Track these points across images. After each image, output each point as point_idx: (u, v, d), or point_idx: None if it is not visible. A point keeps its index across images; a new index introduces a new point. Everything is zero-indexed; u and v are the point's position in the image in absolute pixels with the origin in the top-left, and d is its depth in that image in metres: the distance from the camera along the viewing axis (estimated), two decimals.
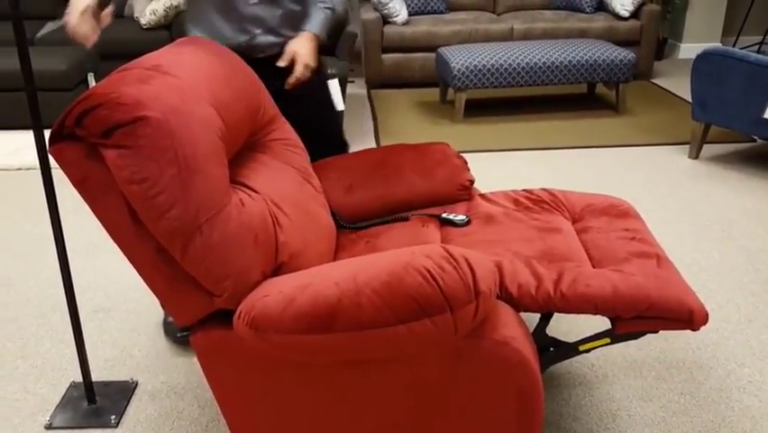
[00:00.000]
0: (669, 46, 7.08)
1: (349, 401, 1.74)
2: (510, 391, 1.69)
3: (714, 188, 3.92)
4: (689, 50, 6.95)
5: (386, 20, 5.92)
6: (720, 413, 2.22)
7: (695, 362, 2.46)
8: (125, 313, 2.80)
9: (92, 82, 5.20)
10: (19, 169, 4.33)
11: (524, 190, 2.41)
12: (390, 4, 5.85)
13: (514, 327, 1.70)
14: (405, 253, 1.61)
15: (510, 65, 4.96)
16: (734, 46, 6.84)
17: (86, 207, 3.68)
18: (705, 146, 4.45)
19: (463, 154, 4.35)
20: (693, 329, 1.82)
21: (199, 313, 1.71)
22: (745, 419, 2.19)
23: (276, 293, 1.61)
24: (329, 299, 1.54)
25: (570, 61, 4.99)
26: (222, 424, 2.21)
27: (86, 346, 2.61)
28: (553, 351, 1.97)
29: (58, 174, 4.16)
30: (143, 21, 5.69)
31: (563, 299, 1.81)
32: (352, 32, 4.26)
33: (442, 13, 6.28)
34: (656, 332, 1.86)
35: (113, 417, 2.22)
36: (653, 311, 1.79)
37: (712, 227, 3.46)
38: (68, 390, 2.36)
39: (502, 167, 4.28)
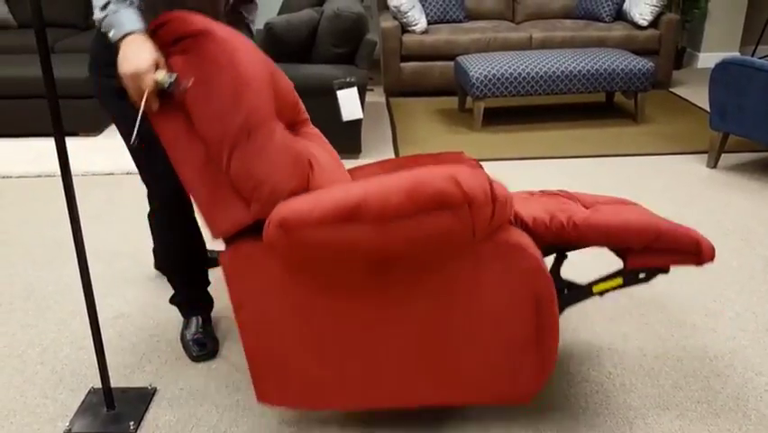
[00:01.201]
0: (687, 55, 7.05)
1: (372, 312, 1.82)
2: (528, 296, 1.81)
3: (733, 197, 3.91)
4: (707, 59, 6.92)
5: (405, 28, 5.94)
6: (737, 422, 2.21)
7: (712, 370, 2.45)
8: (145, 319, 2.82)
9: None
10: (39, 176, 4.37)
11: (540, 190, 2.47)
12: (410, 13, 5.86)
13: (528, 241, 1.83)
14: (429, 166, 1.76)
15: (529, 74, 4.95)
16: (752, 55, 6.81)
17: (107, 213, 3.71)
18: (723, 155, 4.44)
19: (482, 162, 4.36)
20: (701, 262, 1.91)
21: (235, 222, 1.83)
22: (762, 428, 2.18)
23: (305, 197, 1.74)
24: (356, 195, 1.68)
25: (588, 70, 4.98)
26: (240, 429, 2.22)
27: (106, 352, 2.63)
28: (568, 293, 2.05)
29: (78, 181, 4.23)
30: None
31: (576, 228, 1.92)
32: (371, 40, 4.28)
33: (461, 21, 6.28)
34: (667, 271, 1.94)
35: (131, 423, 2.23)
36: (662, 242, 1.89)
37: (731, 236, 3.44)
38: (87, 396, 2.38)
39: (521, 175, 4.28)
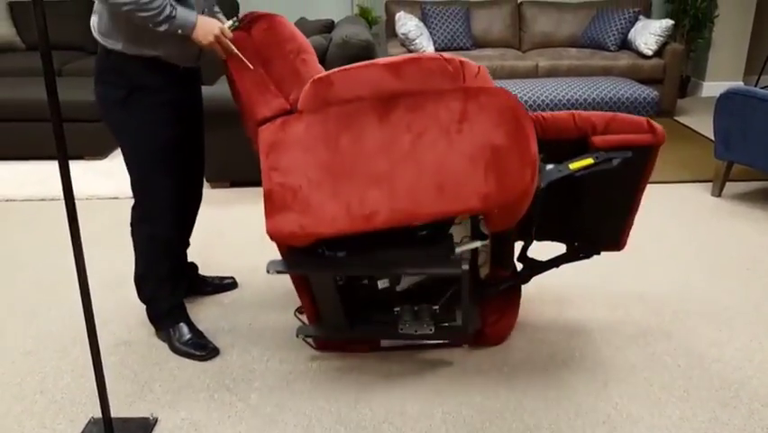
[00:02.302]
0: (692, 84, 7.07)
1: (379, 145, 2.23)
2: (508, 119, 2.19)
3: (738, 225, 3.89)
4: (711, 88, 6.93)
5: None
6: None
7: (719, 401, 2.42)
8: (147, 347, 2.79)
9: None
10: (43, 199, 4.37)
11: None
12: (417, 40, 5.90)
13: (510, 94, 2.26)
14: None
15: (535, 101, 4.96)
16: (756, 85, 6.82)
17: (111, 238, 3.70)
18: (728, 184, 4.43)
19: None
20: (657, 142, 2.31)
21: (275, 107, 2.37)
22: None
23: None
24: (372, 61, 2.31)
25: (594, 98, 5.00)
26: None
27: (107, 381, 2.60)
28: (551, 167, 2.34)
29: (82, 204, 4.22)
30: None
31: (546, 120, 2.38)
32: None
33: (468, 49, 6.33)
34: (629, 153, 2.31)
35: None
36: (617, 123, 2.34)
37: (736, 265, 3.42)
38: (86, 426, 2.35)
39: None
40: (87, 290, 2.07)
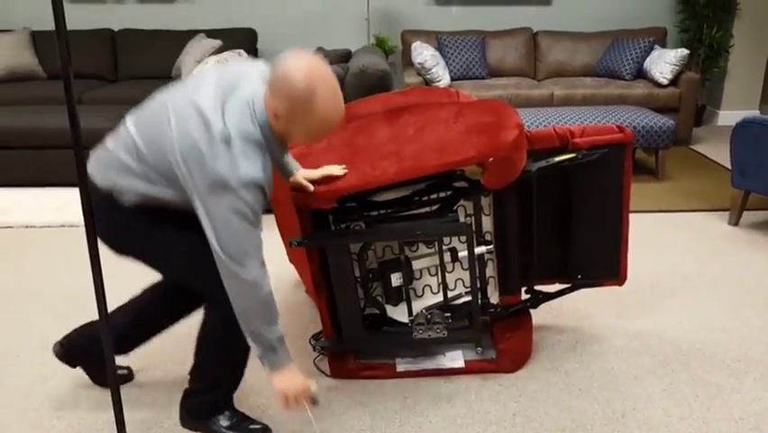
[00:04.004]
0: (707, 113, 7.05)
1: (388, 136, 2.63)
2: (495, 108, 2.64)
3: (755, 255, 3.87)
4: (727, 117, 6.92)
5: (429, 84, 5.98)
6: None
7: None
8: (164, 372, 2.80)
9: None
10: (63, 225, 4.41)
11: None
12: (433, 69, 5.91)
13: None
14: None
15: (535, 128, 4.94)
16: None
17: (129, 264, 3.71)
18: (745, 213, 4.41)
19: None
20: (627, 140, 2.66)
21: None
22: None
23: None
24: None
25: None
26: None
27: (123, 406, 2.59)
28: (544, 164, 2.65)
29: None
30: None
31: (531, 134, 2.73)
32: None
33: (483, 78, 6.34)
34: (605, 150, 2.67)
35: None
36: (591, 129, 2.73)
37: (753, 295, 3.40)
38: None
39: None
40: (106, 313, 2.08)
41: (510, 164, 2.46)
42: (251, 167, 1.91)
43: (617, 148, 2.69)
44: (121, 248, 2.24)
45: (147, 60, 6.45)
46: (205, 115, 1.92)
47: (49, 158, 5.05)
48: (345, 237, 2.54)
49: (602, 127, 2.75)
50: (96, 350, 2.50)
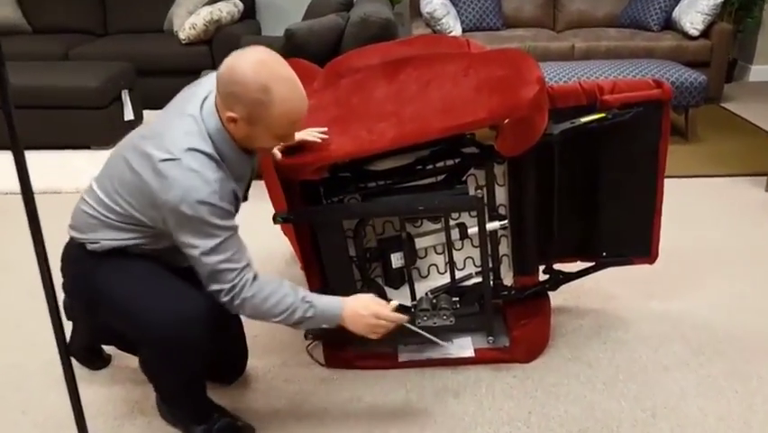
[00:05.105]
0: (738, 68, 6.68)
1: (387, 94, 2.33)
2: (511, 58, 2.30)
3: None
4: (760, 72, 6.58)
5: None
6: None
7: None
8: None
9: (127, 100, 5.01)
10: (44, 192, 4.16)
11: None
12: (444, 20, 5.69)
13: None
14: None
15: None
16: None
17: None
18: None
19: None
20: (665, 96, 2.34)
21: None
22: None
23: None
24: None
25: None
26: None
27: (97, 398, 2.39)
28: (568, 126, 2.32)
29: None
30: (182, 35, 5.54)
31: (553, 91, 2.40)
32: None
33: (498, 29, 6.07)
34: (641, 109, 2.34)
35: None
36: (623, 83, 2.40)
37: None
38: None
39: None
40: (53, 286, 1.83)
41: (529, 127, 2.16)
42: (204, 186, 1.79)
43: (654, 106, 2.36)
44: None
45: (137, 13, 6.18)
46: (145, 150, 1.83)
47: (32, 119, 4.80)
48: (336, 213, 2.26)
49: (636, 82, 2.42)
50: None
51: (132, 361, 2.50)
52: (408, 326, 2.10)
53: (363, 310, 2.01)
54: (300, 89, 1.82)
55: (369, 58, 2.56)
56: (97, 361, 2.56)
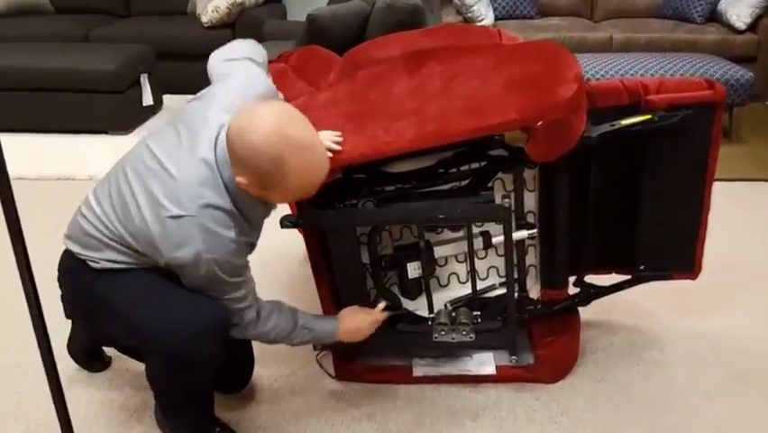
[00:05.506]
0: None
1: (408, 90, 2.15)
2: (547, 51, 2.13)
3: None
4: None
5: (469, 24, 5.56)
6: None
7: None
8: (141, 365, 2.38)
9: (146, 85, 4.88)
10: (59, 178, 4.08)
11: None
12: (475, 7, 5.54)
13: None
14: None
15: (599, 80, 4.45)
16: None
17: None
18: None
19: None
20: (719, 99, 2.15)
21: None
22: None
23: None
24: None
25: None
26: None
27: (94, 405, 2.29)
28: (608, 129, 2.13)
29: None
30: (204, 18, 5.44)
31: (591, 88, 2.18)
32: None
33: (532, 18, 5.91)
34: (689, 111, 2.14)
35: None
36: (671, 83, 2.19)
37: None
38: None
39: None
40: (34, 283, 1.71)
41: (565, 130, 1.99)
42: (221, 246, 1.71)
43: (705, 109, 2.18)
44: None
45: None
46: (152, 192, 1.72)
47: (49, 101, 4.72)
48: (349, 219, 2.10)
49: (685, 81, 2.22)
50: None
51: (133, 364, 2.41)
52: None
53: (359, 318, 2.13)
54: (319, 153, 1.70)
55: (390, 48, 2.38)
56: (96, 363, 2.45)
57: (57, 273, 1.96)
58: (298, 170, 1.64)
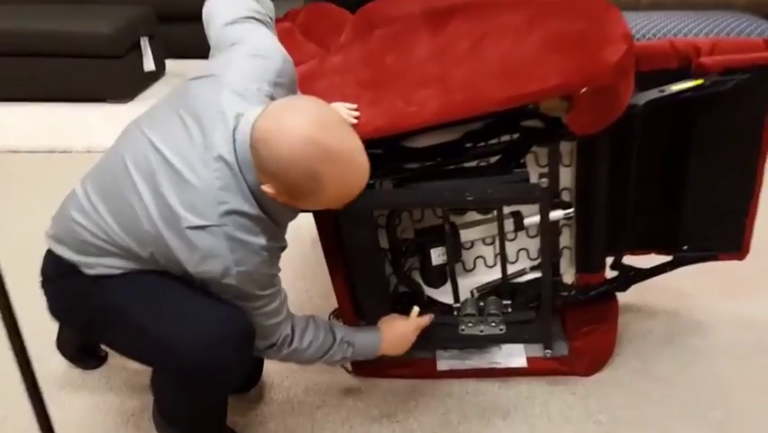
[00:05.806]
0: None
1: (431, 52, 1.96)
2: (589, 7, 1.91)
3: None
4: None
5: None
6: None
7: None
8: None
9: (146, 49, 4.66)
10: (52, 151, 3.89)
11: None
12: None
13: None
14: None
15: (636, 41, 4.25)
16: None
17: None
18: None
19: None
20: None
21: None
22: None
23: None
24: None
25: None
26: None
27: (86, 408, 2.11)
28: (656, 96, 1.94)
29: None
30: None
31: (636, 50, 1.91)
32: None
33: None
34: (747, 75, 1.91)
35: None
36: (726, 43, 1.98)
37: None
38: None
39: None
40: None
41: (612, 97, 1.79)
42: (251, 256, 1.55)
43: (763, 72, 1.95)
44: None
45: None
46: (165, 196, 1.51)
47: (35, 67, 4.51)
48: (365, 202, 1.88)
49: (740, 41, 2.06)
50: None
51: (131, 361, 2.19)
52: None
53: (401, 331, 1.99)
54: (359, 162, 1.51)
55: (409, 4, 2.17)
56: (90, 360, 2.26)
57: (40, 280, 1.76)
58: (336, 183, 1.47)
